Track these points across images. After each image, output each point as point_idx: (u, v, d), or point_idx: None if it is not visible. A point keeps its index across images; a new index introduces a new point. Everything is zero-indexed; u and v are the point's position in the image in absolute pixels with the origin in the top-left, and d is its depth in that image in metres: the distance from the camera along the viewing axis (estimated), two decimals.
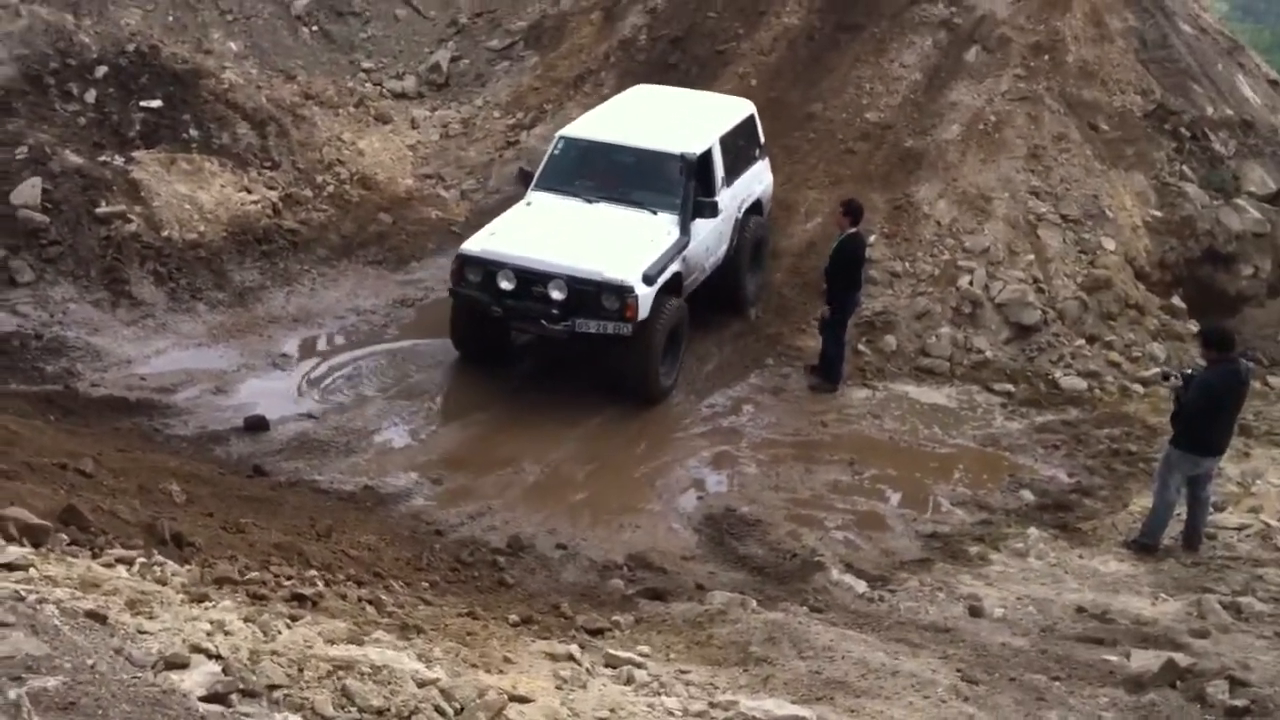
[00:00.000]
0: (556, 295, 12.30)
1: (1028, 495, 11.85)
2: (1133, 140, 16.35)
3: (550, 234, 12.87)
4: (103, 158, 14.54)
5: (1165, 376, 11.21)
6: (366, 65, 18.61)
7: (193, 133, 15.44)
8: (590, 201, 13.41)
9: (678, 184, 13.21)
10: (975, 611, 9.41)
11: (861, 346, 14.08)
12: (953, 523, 11.37)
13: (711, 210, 13.31)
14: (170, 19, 18.20)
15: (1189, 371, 10.92)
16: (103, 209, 13.82)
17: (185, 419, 11.76)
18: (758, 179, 15.04)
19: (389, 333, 13.99)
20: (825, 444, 12.59)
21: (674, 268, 12.86)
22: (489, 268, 12.47)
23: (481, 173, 16.99)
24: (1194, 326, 14.45)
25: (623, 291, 12.19)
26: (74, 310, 13.02)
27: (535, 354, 13.61)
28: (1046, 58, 16.82)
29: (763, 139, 15.23)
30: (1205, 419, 10.48)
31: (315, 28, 18.94)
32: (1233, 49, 18.41)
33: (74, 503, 7.57)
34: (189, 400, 12.09)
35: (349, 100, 17.78)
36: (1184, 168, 16.20)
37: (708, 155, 13.65)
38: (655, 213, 13.18)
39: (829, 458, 12.33)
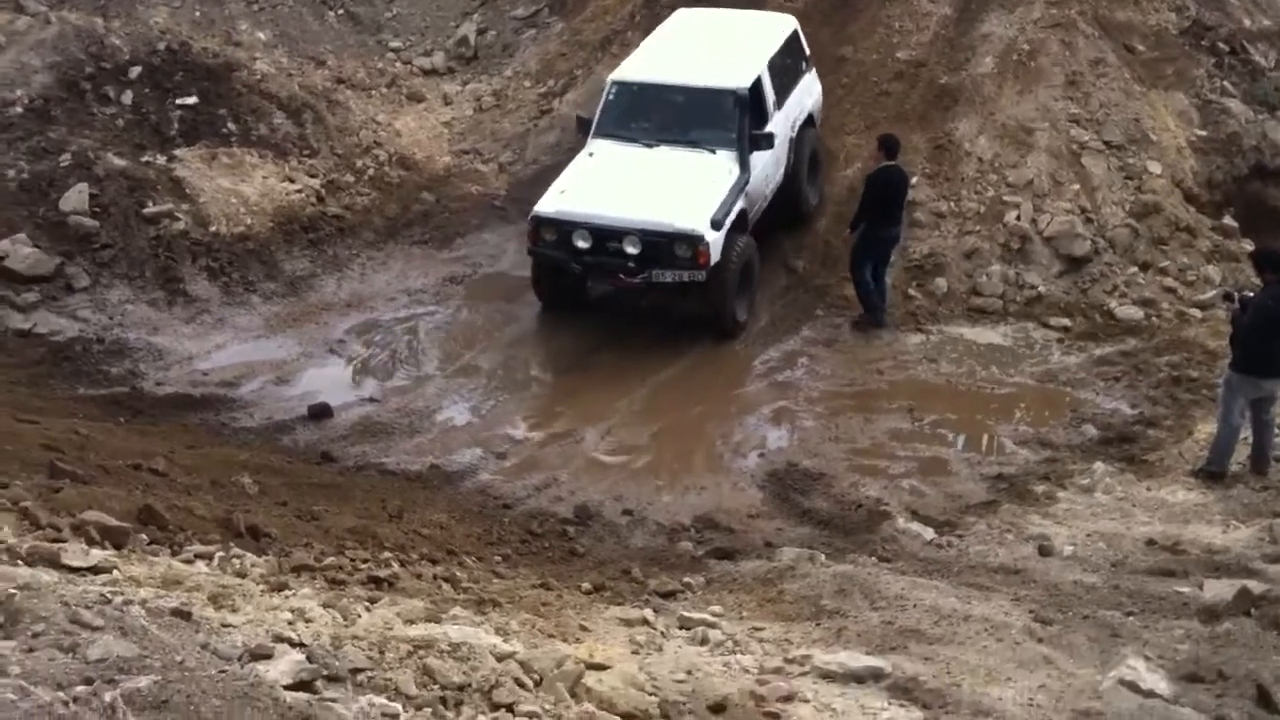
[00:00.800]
0: (631, 250, 12.78)
1: (1091, 430, 11.79)
2: (1171, 59, 16.10)
3: (618, 186, 13.25)
4: (145, 158, 14.68)
5: (1227, 297, 11.13)
6: (394, 44, 18.62)
7: (231, 126, 15.54)
8: (650, 146, 13.76)
9: (732, 119, 13.63)
10: (1045, 551, 9.42)
11: (912, 290, 14.02)
12: (1017, 463, 11.35)
13: (768, 142, 13.70)
14: (197, 14, 18.28)
15: (1248, 294, 10.81)
16: (150, 209, 13.99)
17: (251, 411, 11.94)
18: (807, 92, 15.34)
19: (441, 311, 14.08)
20: (883, 392, 12.59)
21: (739, 205, 13.27)
22: (563, 227, 12.93)
23: (518, 144, 16.99)
24: (1248, 245, 14.21)
25: (694, 240, 12.61)
26: (132, 311, 13.21)
27: (610, 303, 13.91)
28: None
29: (807, 50, 15.49)
30: (1263, 340, 10.38)
31: (340, 11, 18.96)
32: None
33: (150, 502, 7.74)
34: (253, 392, 12.27)
35: (380, 81, 17.82)
36: (1225, 83, 15.95)
37: (758, 86, 13.95)
38: (714, 151, 13.54)
39: (887, 406, 12.33)
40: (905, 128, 15.39)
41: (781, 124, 14.36)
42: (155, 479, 8.86)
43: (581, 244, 12.90)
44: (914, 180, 14.54)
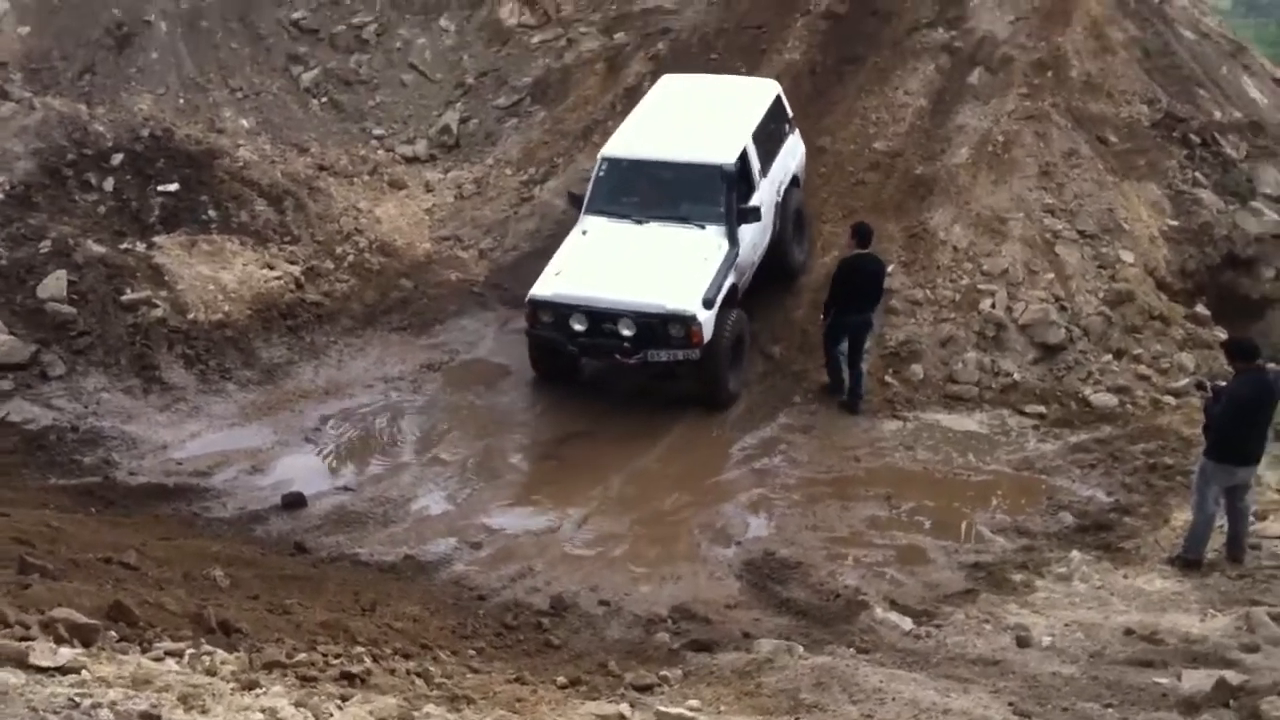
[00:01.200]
0: (626, 331, 13.15)
1: (1068, 517, 11.82)
2: (1143, 150, 16.37)
3: (611, 267, 13.55)
4: (125, 245, 14.74)
5: (1199, 386, 11.21)
6: (378, 132, 18.78)
7: (211, 213, 15.63)
8: (640, 222, 14.12)
9: (720, 194, 13.93)
10: (1023, 641, 9.37)
11: (888, 377, 14.09)
12: (994, 551, 11.35)
13: (755, 216, 14.04)
14: (181, 101, 18.43)
15: (1220, 383, 10.90)
16: (128, 296, 14.01)
17: (224, 501, 11.88)
18: (791, 154, 15.72)
19: (418, 398, 14.07)
20: (860, 479, 12.60)
21: (729, 280, 13.56)
22: (560, 310, 13.31)
23: (498, 230, 17.10)
24: (1221, 334, 14.42)
25: (687, 321, 12.98)
26: (107, 400, 13.17)
27: (605, 378, 14.06)
28: (1050, 74, 16.89)
29: (790, 113, 15.86)
30: (1236, 429, 10.45)
31: (324, 99, 19.15)
32: (1236, 51, 18.42)
33: (120, 598, 7.65)
34: (226, 482, 12.21)
35: (363, 168, 17.94)
36: (1196, 174, 16.20)
37: (744, 159, 14.29)
38: (703, 227, 13.88)
39: (865, 493, 12.33)
40: (881, 216, 15.57)
41: (767, 190, 14.73)
42: (126, 573, 8.78)
43: (578, 326, 13.25)
44: (890, 268, 14.64)
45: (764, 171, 14.72)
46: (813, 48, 18.05)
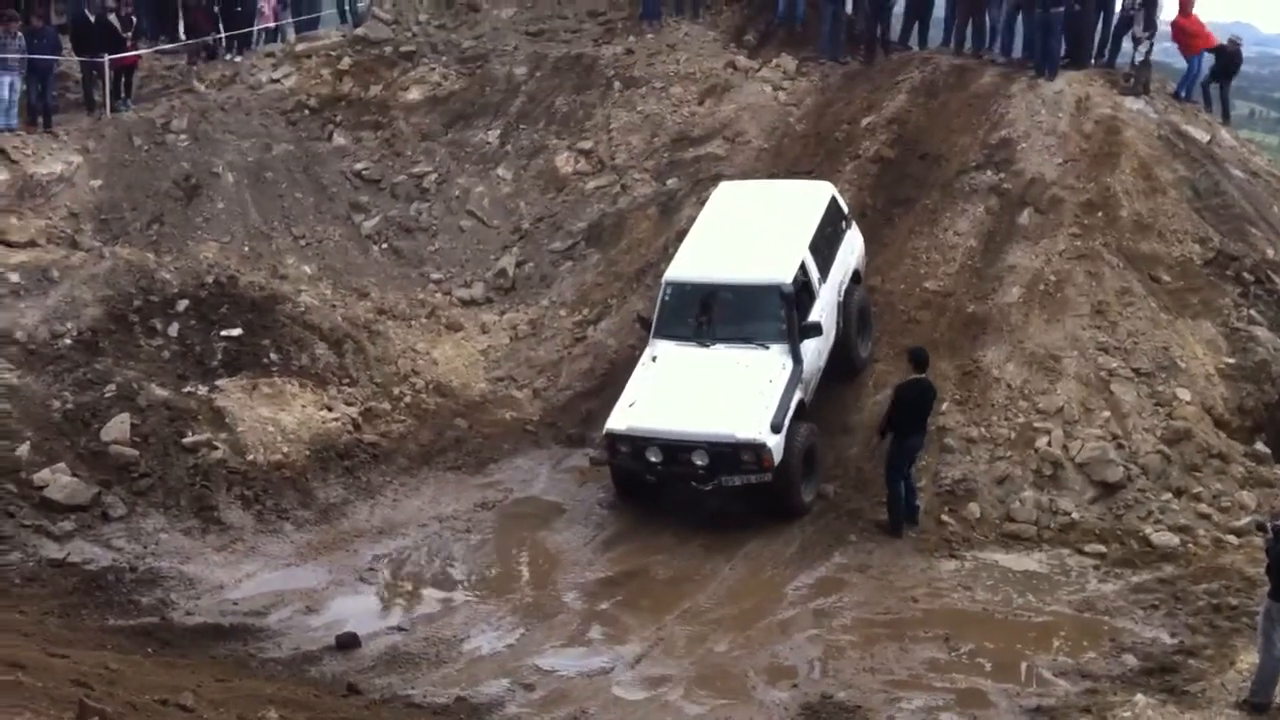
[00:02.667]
0: (700, 461, 13.63)
1: (1131, 660, 11.55)
2: (1196, 289, 16.39)
3: (682, 396, 14.01)
4: (187, 388, 15.07)
5: (1259, 527, 10.98)
6: (436, 276, 19.20)
7: (273, 356, 15.96)
8: (705, 345, 14.60)
9: (780, 312, 14.30)
10: None
11: (945, 516, 13.99)
12: (1057, 694, 11.07)
13: (816, 330, 14.45)
14: (246, 249, 18.96)
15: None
16: (189, 439, 14.26)
17: (279, 641, 11.87)
18: (850, 251, 16.18)
19: (472, 536, 14.12)
20: (918, 620, 12.40)
21: (796, 397, 13.96)
22: (636, 442, 13.86)
23: (552, 371, 17.32)
24: None
25: (757, 448, 13.46)
26: (165, 540, 13.33)
27: (684, 500, 14.35)
28: (1100, 214, 17.03)
29: (846, 209, 16.34)
30: None
31: (385, 245, 19.65)
32: None
33: None
34: (281, 622, 12.23)
35: (420, 311, 18.31)
36: (1251, 312, 16.17)
37: (803, 272, 14.70)
38: (767, 347, 14.33)
39: (923, 634, 12.12)
40: (935, 354, 15.58)
41: (828, 295, 15.12)
42: (183, 715, 8.76)
43: (653, 458, 13.78)
44: (944, 406, 14.77)
45: (824, 278, 15.11)
46: (863, 190, 18.36)
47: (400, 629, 12.21)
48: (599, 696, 11.12)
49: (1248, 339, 15.82)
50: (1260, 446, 14.81)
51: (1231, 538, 13.43)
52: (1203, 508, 13.83)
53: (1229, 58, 20.38)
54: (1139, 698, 10.72)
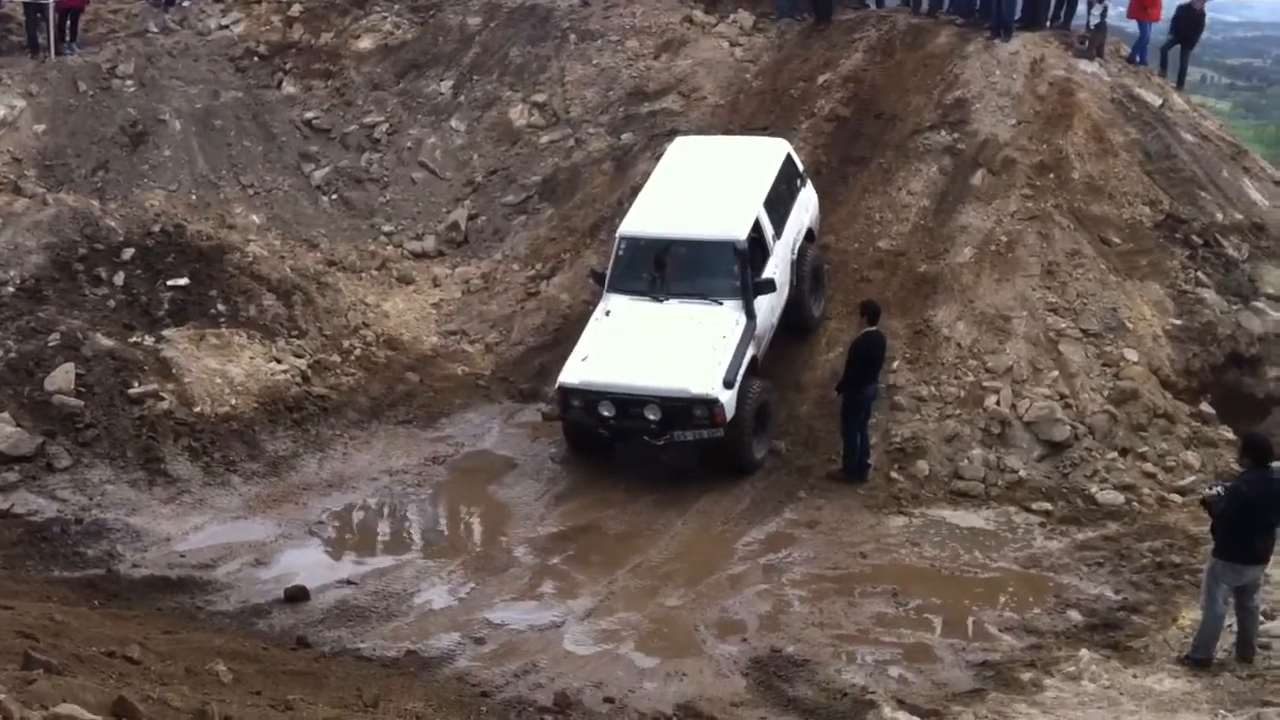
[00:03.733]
0: (652, 415, 13.62)
1: (1075, 616, 11.71)
2: (1145, 251, 16.52)
3: (635, 351, 13.99)
4: (133, 338, 14.86)
5: (1204, 503, 10.98)
6: (387, 228, 19.02)
7: (220, 307, 15.77)
8: (660, 300, 14.56)
9: (734, 269, 14.28)
10: None
11: (894, 473, 14.09)
12: (1002, 649, 11.21)
13: (770, 287, 14.47)
14: (193, 197, 18.69)
15: (1218, 489, 10.85)
16: (135, 389, 14.08)
17: (227, 594, 11.80)
18: (804, 209, 16.21)
19: (422, 491, 14.07)
20: (866, 575, 12.50)
21: (749, 354, 14.01)
22: (588, 396, 13.82)
23: (504, 325, 17.24)
24: (1226, 432, 14.47)
25: (710, 403, 13.47)
26: (111, 492, 13.19)
27: (636, 454, 14.36)
28: (1052, 176, 17.10)
29: (801, 167, 16.39)
30: (1244, 528, 10.38)
31: (335, 196, 19.43)
32: (1236, 154, 18.68)
33: (124, 694, 7.55)
34: (229, 575, 12.15)
35: (371, 264, 18.14)
36: (1199, 274, 16.31)
37: (757, 229, 14.71)
38: (720, 302, 14.32)
39: (871, 589, 12.23)
40: (886, 314, 15.57)
41: (782, 252, 15.14)
42: (130, 667, 8.67)
43: (606, 412, 13.74)
44: (894, 365, 14.95)
45: (778, 235, 15.13)
46: (818, 149, 18.34)
47: (350, 582, 12.15)
48: (550, 650, 11.13)
49: (1195, 301, 15.98)
50: (1205, 407, 15.00)
51: (1175, 496, 13.63)
52: (1148, 467, 14.01)
53: (1194, 20, 20.38)
54: (1083, 653, 10.88)
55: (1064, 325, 15.36)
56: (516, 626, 11.51)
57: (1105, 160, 17.39)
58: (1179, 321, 15.78)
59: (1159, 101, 18.69)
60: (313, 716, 8.55)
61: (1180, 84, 20.40)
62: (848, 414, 14.06)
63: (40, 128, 18.95)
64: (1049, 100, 18.11)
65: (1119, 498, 13.66)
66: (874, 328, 14.08)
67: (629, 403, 13.70)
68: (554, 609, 11.83)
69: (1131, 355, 15.08)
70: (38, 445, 13.27)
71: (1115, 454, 14.16)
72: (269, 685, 9.24)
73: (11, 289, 15.12)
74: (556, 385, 14.17)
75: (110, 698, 7.41)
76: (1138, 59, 19.99)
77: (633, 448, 14.29)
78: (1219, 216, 17.05)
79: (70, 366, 13.97)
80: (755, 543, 13.10)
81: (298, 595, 11.71)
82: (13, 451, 13.11)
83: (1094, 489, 13.79)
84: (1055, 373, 14.88)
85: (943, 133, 17.93)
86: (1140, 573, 12.37)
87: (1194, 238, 16.65)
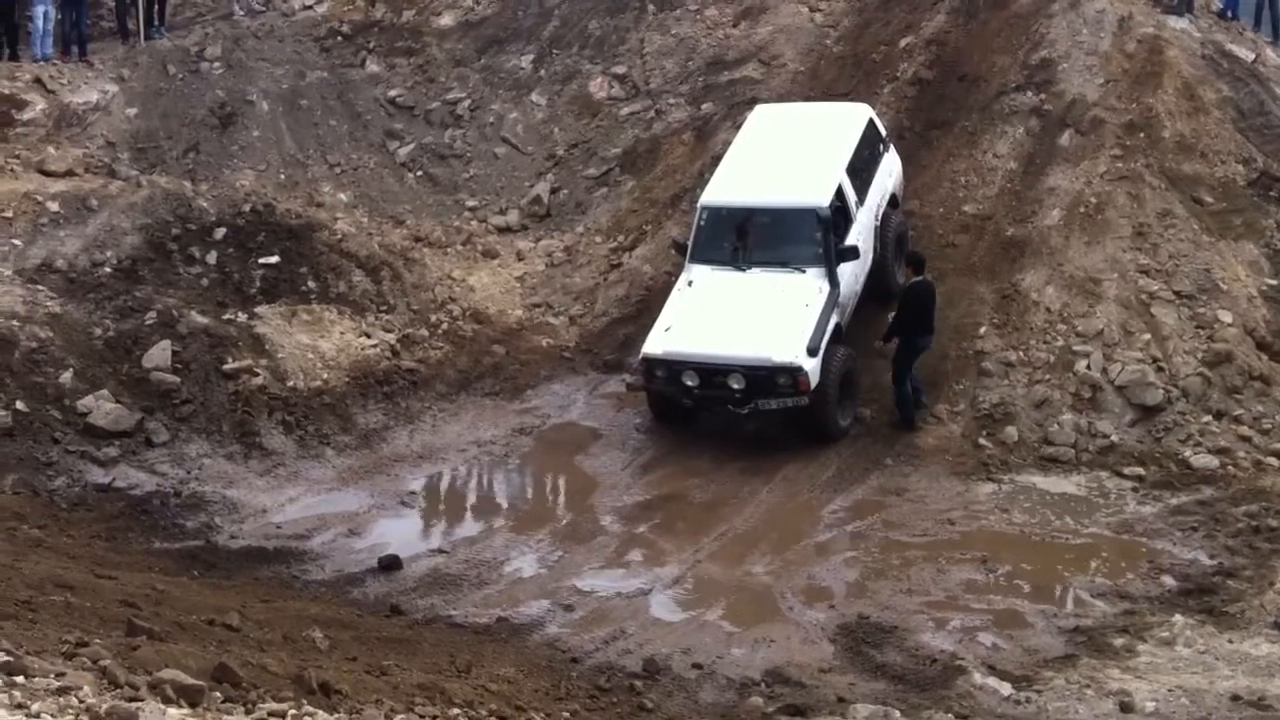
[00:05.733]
0: (736, 385, 13.62)
1: (1169, 581, 11.56)
2: (1239, 210, 16.15)
3: (718, 320, 14.02)
4: (227, 316, 15.16)
5: None
6: (471, 204, 19.16)
7: (310, 284, 16.02)
8: (742, 269, 14.54)
9: (817, 236, 14.23)
10: (1126, 707, 9.19)
11: (983, 439, 13.96)
12: (1095, 615, 11.11)
13: (854, 254, 14.42)
14: (282, 176, 18.98)
15: None
16: (230, 365, 14.37)
17: (322, 563, 12.07)
18: (888, 174, 16.08)
19: (511, 461, 14.24)
20: (955, 542, 12.42)
21: (832, 321, 13.97)
22: (672, 366, 13.85)
23: (588, 297, 17.32)
24: None
25: (794, 371, 13.45)
26: (209, 465, 13.51)
27: (720, 423, 14.45)
28: (1142, 135, 16.75)
29: (884, 132, 16.26)
30: None
31: (420, 173, 19.61)
32: None
33: (224, 660, 7.77)
34: (324, 544, 12.41)
35: (456, 239, 18.30)
36: None
37: (840, 196, 14.63)
38: (803, 270, 14.27)
39: (960, 556, 12.15)
40: (973, 278, 15.56)
41: (865, 218, 15.07)
42: (229, 634, 8.93)
43: (690, 382, 13.76)
44: (981, 330, 14.90)
45: (860, 201, 15.03)
46: (900, 113, 18.14)
47: (441, 551, 12.36)
48: (638, 617, 11.25)
49: None
50: None
51: (1272, 460, 13.32)
52: (1243, 430, 13.71)
53: None
54: (1177, 618, 10.76)
55: (1156, 287, 15.08)
56: (605, 594, 11.64)
57: (1196, 118, 17.00)
58: (1274, 281, 15.41)
59: (1251, 57, 18.22)
60: (407, 682, 8.73)
61: (1276, 38, 19.85)
62: (900, 362, 14.15)
63: (132, 111, 19.34)
64: (1137, 58, 17.71)
65: (1213, 461, 13.39)
66: (921, 277, 14.15)
67: (713, 372, 13.70)
68: (641, 576, 11.94)
69: (1225, 317, 14.76)
70: (137, 421, 13.61)
71: (1209, 417, 13.89)
72: (364, 652, 9.46)
73: (109, 269, 15.48)
74: (640, 356, 14.22)
75: (211, 663, 7.63)
76: (1229, 14, 19.48)
77: (717, 417, 14.32)
78: None
79: (167, 344, 14.30)
80: (841, 510, 13.08)
81: (391, 564, 11.94)
82: (113, 427, 13.46)
83: (1188, 453, 13.54)
84: (1147, 336, 14.62)
85: (1029, 93, 17.63)
86: (1236, 537, 12.17)
87: None
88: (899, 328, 14.18)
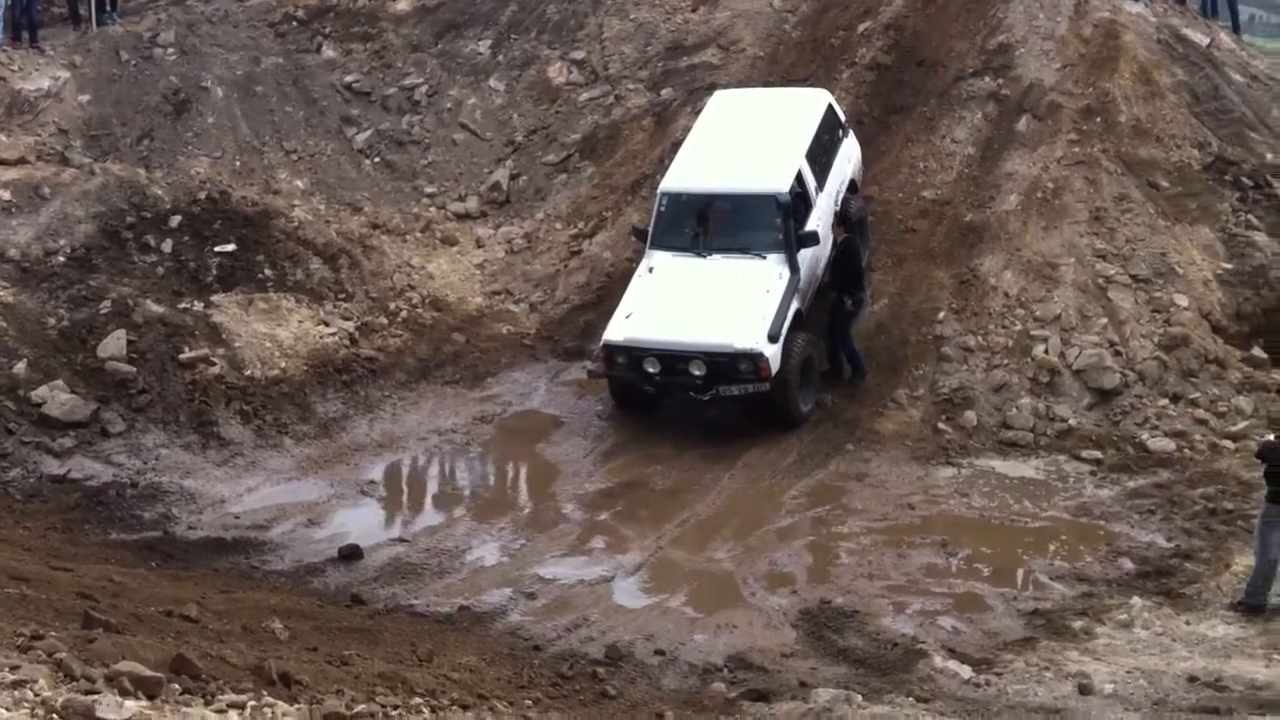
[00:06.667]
0: (697, 371, 13.64)
1: (1127, 564, 11.66)
2: (1195, 194, 16.29)
3: (679, 307, 14.01)
4: (183, 305, 15.00)
5: (1260, 454, 10.84)
6: (429, 190, 19.03)
7: (267, 272, 15.88)
8: (702, 255, 14.56)
9: (777, 222, 14.29)
10: (1085, 689, 9.26)
11: (942, 424, 14.03)
12: (1053, 598, 11.19)
13: (814, 240, 14.43)
14: (238, 163, 18.78)
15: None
16: (186, 354, 14.23)
17: (281, 554, 11.98)
18: (847, 160, 16.12)
19: (471, 450, 14.19)
20: (915, 527, 12.48)
21: (793, 308, 14.01)
22: (633, 353, 13.84)
23: (548, 284, 17.26)
24: (1279, 376, 14.26)
25: (755, 357, 13.47)
26: (166, 455, 13.38)
27: (680, 410, 14.50)
28: (1099, 120, 16.87)
29: (843, 117, 16.29)
30: None
31: (377, 159, 19.46)
32: None
33: (183, 651, 7.70)
34: (283, 535, 12.33)
35: (415, 226, 18.18)
36: (1250, 217, 16.09)
37: (799, 182, 14.66)
38: (764, 256, 14.29)
39: (920, 540, 12.21)
40: (931, 263, 15.62)
41: (825, 204, 15.10)
42: (187, 626, 8.85)
43: (651, 369, 13.78)
44: (940, 315, 15.01)
45: (820, 187, 15.07)
46: (860, 98, 18.17)
47: (402, 540, 12.31)
48: (600, 604, 11.24)
49: (1246, 244, 15.75)
50: (1257, 351, 14.77)
51: (1228, 443, 13.46)
52: (1199, 413, 13.85)
53: None
54: (1135, 600, 10.87)
55: (1113, 271, 15.20)
56: (567, 581, 11.62)
57: (1152, 103, 17.14)
58: (1229, 265, 15.57)
59: (1206, 41, 18.38)
60: (368, 672, 8.68)
61: (1235, 27, 20.04)
62: (843, 323, 14.52)
63: (85, 98, 19.10)
64: (1094, 43, 17.84)
65: (1170, 445, 13.52)
66: (849, 234, 14.59)
67: (674, 359, 13.71)
68: (604, 564, 11.93)
69: (1182, 300, 14.91)
70: (92, 411, 13.46)
71: (1166, 401, 14.02)
72: (325, 642, 9.40)
73: (62, 258, 15.28)
74: (601, 343, 14.21)
75: (169, 655, 7.55)
76: None
77: (678, 404, 14.32)
78: (1269, 157, 16.77)
79: (122, 333, 14.14)
80: (803, 496, 13.11)
81: (351, 554, 11.88)
82: (68, 418, 13.30)
83: (1145, 436, 13.67)
84: (1104, 320, 14.74)
85: (986, 79, 17.72)
86: (1192, 519, 12.29)
87: (1244, 180, 16.41)
88: (845, 284, 14.48)
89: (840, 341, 14.61)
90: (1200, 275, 15.36)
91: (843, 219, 14.71)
